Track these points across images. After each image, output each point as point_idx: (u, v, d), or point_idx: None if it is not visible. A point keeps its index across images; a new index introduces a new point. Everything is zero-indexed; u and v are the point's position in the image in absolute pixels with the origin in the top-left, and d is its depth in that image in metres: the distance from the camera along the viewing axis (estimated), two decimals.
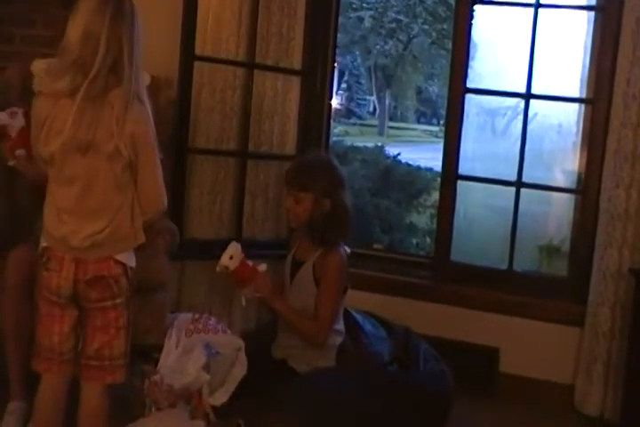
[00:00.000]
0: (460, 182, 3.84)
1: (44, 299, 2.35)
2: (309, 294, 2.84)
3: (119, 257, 2.34)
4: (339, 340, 2.88)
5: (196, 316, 2.86)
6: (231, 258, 2.73)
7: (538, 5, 3.63)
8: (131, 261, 2.38)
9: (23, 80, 3.22)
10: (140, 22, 2.34)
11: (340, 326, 2.90)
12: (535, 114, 3.78)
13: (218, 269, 2.76)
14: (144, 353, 2.90)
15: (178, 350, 2.71)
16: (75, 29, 2.25)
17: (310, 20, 3.85)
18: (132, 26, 2.28)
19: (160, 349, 2.78)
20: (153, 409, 2.74)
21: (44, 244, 2.35)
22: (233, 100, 3.75)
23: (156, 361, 2.78)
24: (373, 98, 23.19)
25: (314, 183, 2.83)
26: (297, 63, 3.87)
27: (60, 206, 2.30)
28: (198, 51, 3.61)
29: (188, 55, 3.57)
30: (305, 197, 2.83)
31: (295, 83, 3.88)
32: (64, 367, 2.39)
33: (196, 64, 3.61)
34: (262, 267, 2.79)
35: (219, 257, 2.75)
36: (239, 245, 2.77)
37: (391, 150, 10.56)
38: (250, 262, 2.77)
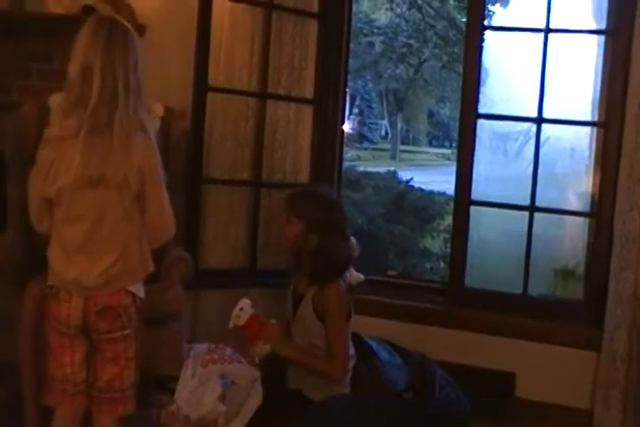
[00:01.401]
0: (472, 207, 3.84)
1: (53, 330, 2.37)
2: (312, 327, 2.83)
3: (129, 287, 2.36)
4: (351, 363, 2.88)
5: (212, 346, 2.86)
6: (242, 310, 2.76)
7: (548, 30, 3.64)
8: (140, 291, 2.40)
9: (41, 114, 3.27)
10: (139, 47, 2.36)
11: (351, 350, 2.90)
12: (547, 138, 3.77)
13: (231, 323, 2.79)
14: (160, 383, 2.90)
15: (194, 381, 2.71)
16: (74, 66, 2.29)
17: (321, 49, 3.88)
18: (125, 54, 2.30)
19: (176, 379, 2.78)
20: None
21: (51, 283, 2.37)
22: (246, 129, 3.78)
23: (173, 391, 2.78)
24: (385, 122, 23.28)
25: (305, 213, 2.81)
26: (309, 92, 3.90)
27: (69, 246, 2.32)
28: (211, 82, 3.64)
29: (202, 86, 3.60)
30: (295, 222, 2.82)
31: (307, 111, 3.91)
32: (77, 400, 2.40)
33: (210, 95, 3.64)
34: (272, 321, 2.82)
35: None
36: (249, 301, 2.80)
37: (403, 174, 10.57)
38: (260, 317, 2.80)
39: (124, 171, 2.26)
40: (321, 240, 2.79)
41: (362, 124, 23.39)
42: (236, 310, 2.77)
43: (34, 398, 2.77)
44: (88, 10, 3.62)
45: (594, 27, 3.77)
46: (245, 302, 2.80)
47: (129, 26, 2.39)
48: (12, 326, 2.85)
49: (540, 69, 3.67)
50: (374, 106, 23.26)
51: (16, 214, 3.24)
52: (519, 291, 3.78)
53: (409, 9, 15.76)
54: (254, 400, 2.74)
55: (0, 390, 3.13)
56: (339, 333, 2.79)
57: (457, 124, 4.05)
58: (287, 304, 2.98)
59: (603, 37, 3.69)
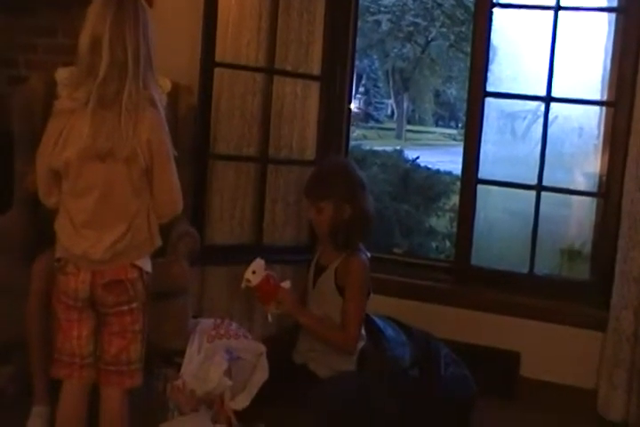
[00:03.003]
0: (479, 186, 3.83)
1: (61, 304, 2.38)
2: (330, 299, 2.85)
3: (136, 261, 2.36)
4: (361, 344, 2.89)
5: (218, 321, 2.88)
6: (254, 273, 2.76)
7: (558, 8, 3.61)
8: (147, 265, 2.40)
9: (47, 88, 3.26)
10: (150, 20, 2.34)
11: (362, 330, 2.91)
12: (556, 117, 3.75)
13: (242, 285, 2.78)
14: (166, 358, 2.92)
15: (200, 356, 2.73)
16: (84, 37, 2.28)
17: (329, 25, 3.85)
18: (136, 26, 2.28)
19: (182, 354, 2.80)
20: (175, 414, 2.76)
21: (59, 256, 2.37)
22: (253, 105, 3.76)
23: (179, 366, 2.80)
24: (391, 101, 23.21)
25: (331, 191, 2.85)
26: (316, 69, 3.87)
27: (77, 220, 2.31)
28: (218, 57, 3.61)
29: (209, 62, 3.58)
30: (325, 205, 2.84)
31: (314, 88, 3.88)
32: (85, 373, 2.40)
33: (217, 70, 3.62)
34: (286, 284, 2.80)
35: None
36: (263, 262, 2.79)
37: (409, 154, 10.55)
38: (273, 279, 2.78)
39: (132, 145, 2.25)
40: (353, 206, 2.84)
41: (368, 103, 23.33)
42: (248, 273, 2.76)
43: (42, 372, 2.79)
44: None
45: (604, 4, 3.74)
46: (259, 264, 2.78)
47: None
48: (21, 301, 2.86)
49: (549, 48, 3.63)
50: (380, 85, 23.18)
51: (23, 189, 3.24)
52: (525, 270, 3.77)
53: None
54: (260, 375, 2.76)
55: (9, 364, 3.16)
56: (356, 305, 2.81)
57: (463, 104, 4.06)
58: (308, 276, 3.00)
59: (613, 15, 3.66)
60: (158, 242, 2.41)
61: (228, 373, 2.72)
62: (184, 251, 3.14)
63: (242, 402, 2.75)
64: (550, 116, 3.70)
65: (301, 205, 3.84)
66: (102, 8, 2.27)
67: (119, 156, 2.25)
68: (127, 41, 2.25)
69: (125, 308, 2.35)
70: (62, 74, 3.15)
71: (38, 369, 2.85)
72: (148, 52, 2.30)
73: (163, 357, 2.90)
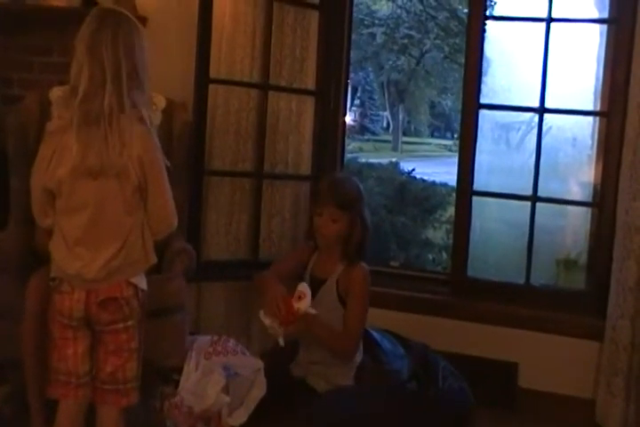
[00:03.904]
0: (475, 198, 3.84)
1: (56, 323, 2.37)
2: (332, 309, 2.86)
3: (131, 279, 2.36)
4: (359, 358, 2.89)
5: (215, 338, 2.88)
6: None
7: (550, 20, 3.63)
8: (142, 283, 2.40)
9: (41, 108, 3.27)
10: (140, 38, 2.35)
11: (360, 344, 2.91)
12: (549, 127, 3.76)
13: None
14: (164, 375, 2.91)
15: (197, 373, 2.73)
16: (73, 58, 2.32)
17: (323, 40, 3.87)
18: (114, 45, 2.28)
19: (180, 371, 2.80)
20: None
21: (53, 275, 2.38)
22: (248, 121, 3.77)
23: (176, 383, 2.79)
24: (387, 113, 23.28)
25: (352, 203, 2.87)
26: (311, 83, 3.89)
27: (70, 239, 2.32)
28: (213, 74, 3.63)
29: (203, 78, 3.59)
30: (342, 215, 2.84)
31: (309, 103, 3.89)
32: (81, 392, 2.40)
33: (211, 87, 3.63)
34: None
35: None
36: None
37: (405, 165, 10.58)
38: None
39: (122, 161, 2.26)
40: (362, 220, 2.89)
41: (363, 115, 23.39)
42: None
43: (38, 392, 2.78)
44: (89, 2, 3.63)
45: (596, 15, 3.76)
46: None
47: (129, 15, 2.38)
48: (16, 320, 2.85)
49: (542, 59, 3.65)
50: (376, 97, 23.25)
51: (18, 208, 3.24)
52: (522, 281, 3.77)
53: (410, 0, 15.75)
54: (258, 391, 2.76)
55: (5, 384, 3.15)
56: (359, 312, 2.84)
57: (458, 115, 4.04)
58: None
59: (605, 26, 3.67)
60: (153, 259, 2.41)
61: (226, 389, 2.73)
62: (180, 267, 3.13)
63: (239, 418, 2.76)
64: (544, 127, 3.71)
65: (298, 220, 3.86)
66: (84, 28, 2.31)
67: (110, 172, 2.26)
68: (105, 61, 2.26)
69: (121, 326, 2.35)
70: (56, 93, 3.17)
71: (34, 389, 2.82)
72: (134, 70, 2.30)
73: (160, 374, 2.89)
